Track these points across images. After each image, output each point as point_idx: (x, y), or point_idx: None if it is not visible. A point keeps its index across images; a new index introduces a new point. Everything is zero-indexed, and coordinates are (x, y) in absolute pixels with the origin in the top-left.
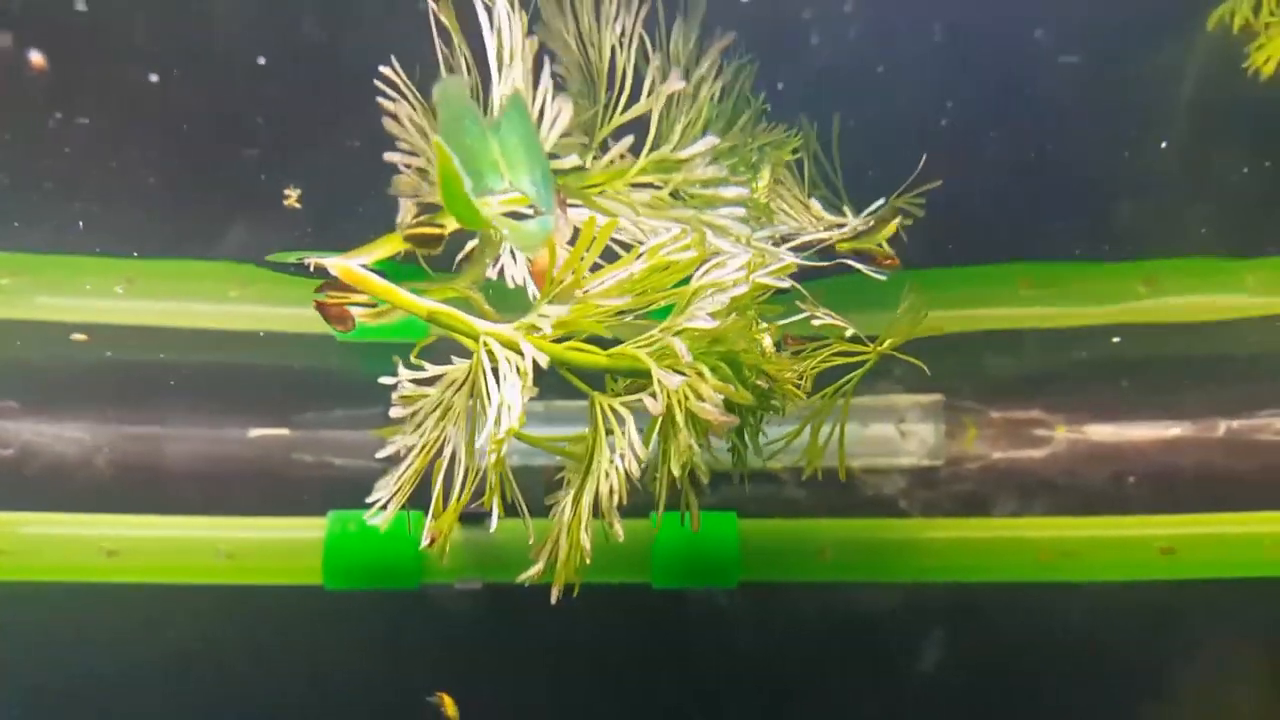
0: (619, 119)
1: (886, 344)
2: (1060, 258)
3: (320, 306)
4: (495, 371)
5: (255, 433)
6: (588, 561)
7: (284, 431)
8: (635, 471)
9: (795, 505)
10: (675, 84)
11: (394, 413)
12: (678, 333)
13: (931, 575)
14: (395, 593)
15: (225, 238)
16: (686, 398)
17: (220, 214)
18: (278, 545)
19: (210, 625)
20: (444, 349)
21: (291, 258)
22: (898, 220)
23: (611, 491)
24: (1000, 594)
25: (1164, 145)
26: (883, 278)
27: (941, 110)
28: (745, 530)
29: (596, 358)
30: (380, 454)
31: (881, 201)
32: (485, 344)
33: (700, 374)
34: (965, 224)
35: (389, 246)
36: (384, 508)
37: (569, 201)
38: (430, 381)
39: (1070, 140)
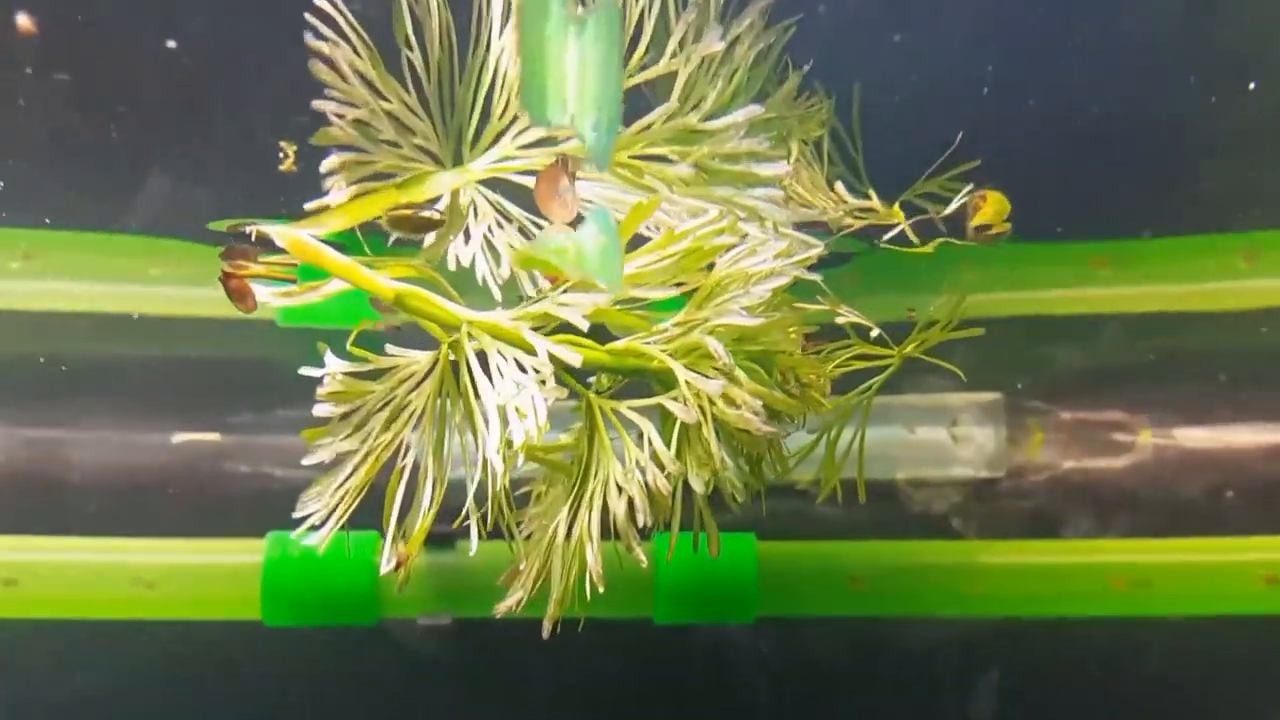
0: (640, 77)
1: (911, 346)
2: (1141, 232)
3: (224, 279)
4: (488, 370)
5: (180, 438)
6: (601, 589)
7: (214, 436)
8: (664, 486)
9: (824, 524)
10: (714, 44)
11: (320, 411)
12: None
13: (987, 608)
14: (349, 629)
15: (149, 205)
16: (712, 403)
17: (142, 175)
18: (207, 572)
19: (127, 667)
20: (379, 338)
21: (227, 226)
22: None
23: (635, 509)
24: (1069, 631)
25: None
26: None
27: (983, 72)
28: (764, 554)
29: (599, 354)
30: (308, 460)
31: (970, 186)
32: (467, 334)
33: (734, 378)
34: (1027, 194)
35: (348, 217)
36: (318, 526)
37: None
38: (371, 375)
39: (1146, 93)
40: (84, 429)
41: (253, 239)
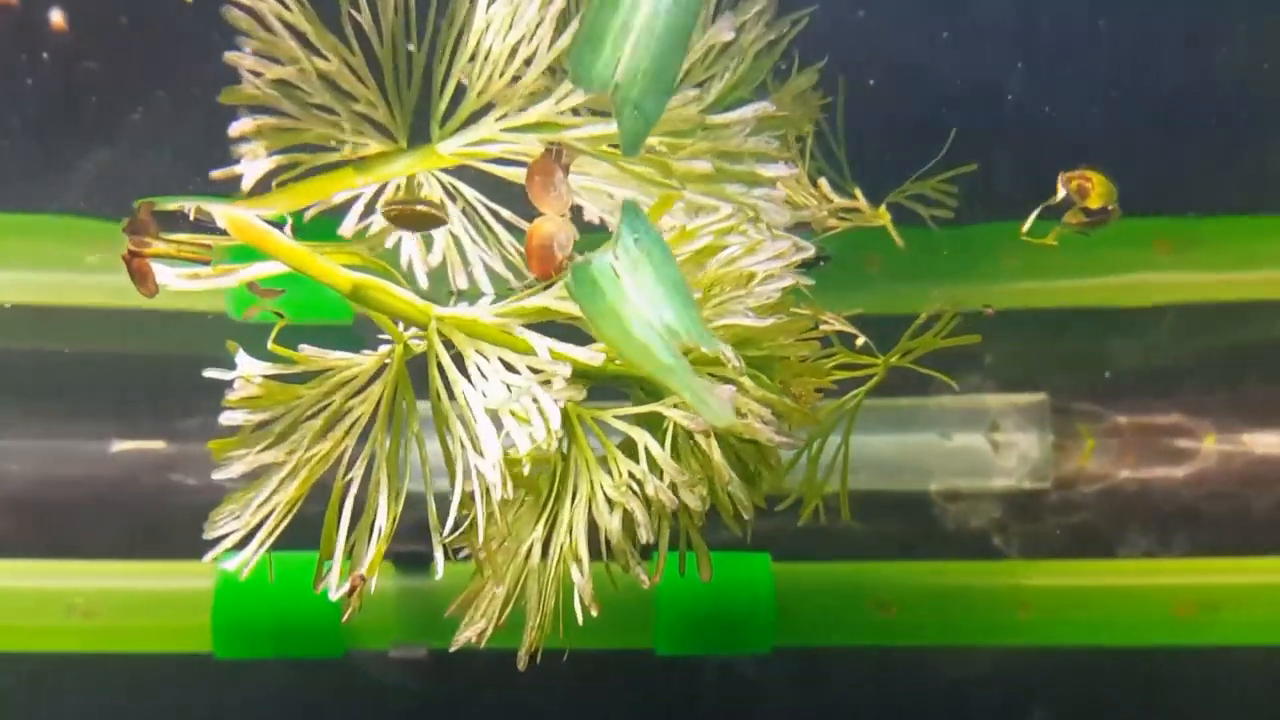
0: None
1: (897, 356)
2: (1207, 211)
3: (128, 258)
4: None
5: (120, 446)
6: (594, 613)
7: (159, 445)
8: (669, 499)
9: (848, 542)
10: (724, 33)
11: (228, 419)
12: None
13: (1032, 636)
14: (311, 663)
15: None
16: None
17: (77, 154)
18: (151, 599)
19: (61, 706)
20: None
21: (170, 204)
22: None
23: (637, 526)
24: (1123, 661)
25: None
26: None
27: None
28: (782, 577)
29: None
30: (218, 475)
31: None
32: (436, 332)
33: (742, 384)
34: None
35: (298, 198)
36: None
37: (570, 165)
38: (300, 379)
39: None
40: (7, 437)
41: (191, 218)
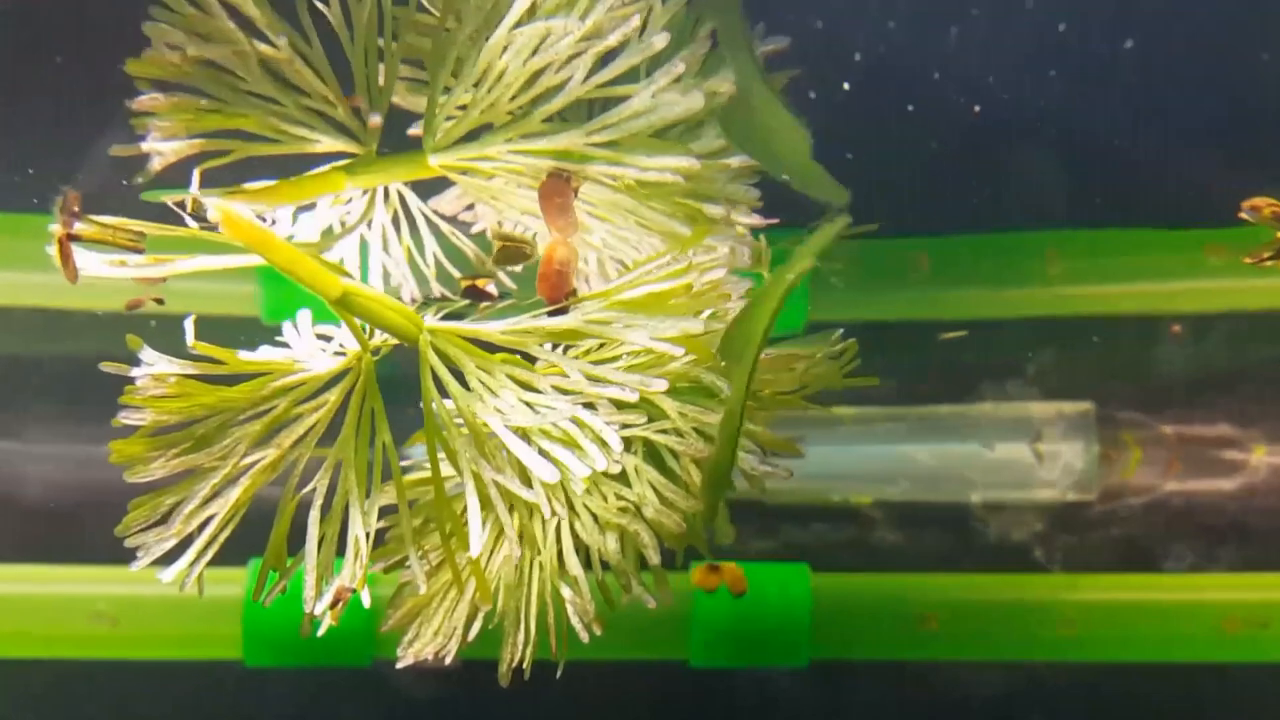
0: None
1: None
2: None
3: (60, 239)
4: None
5: None
6: (597, 631)
7: None
8: (675, 523)
9: (888, 555)
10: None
11: (126, 418)
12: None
13: (1076, 652)
14: (339, 671)
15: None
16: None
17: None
18: (179, 606)
19: (87, 713)
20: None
21: (166, 197)
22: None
23: (643, 547)
24: (1169, 679)
25: None
26: None
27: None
28: (820, 589)
29: None
30: (130, 477)
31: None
32: (429, 345)
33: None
34: (1124, 174)
35: (283, 196)
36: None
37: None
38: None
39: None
40: (32, 440)
41: (188, 210)
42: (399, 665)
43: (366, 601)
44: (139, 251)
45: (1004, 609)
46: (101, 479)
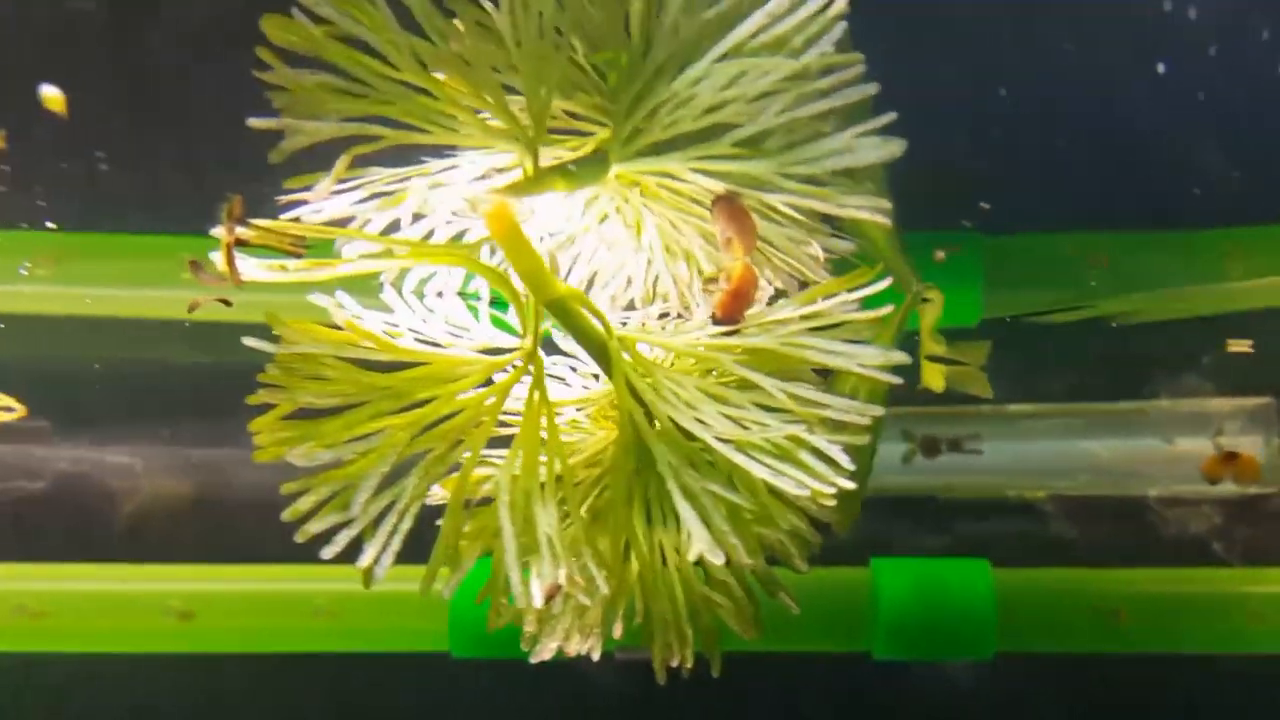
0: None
1: None
2: None
3: (226, 248)
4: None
5: None
6: (795, 610)
7: None
8: (840, 483)
9: (1066, 549)
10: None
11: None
12: None
13: (1266, 645)
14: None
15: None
16: None
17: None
18: (390, 600)
19: (302, 704)
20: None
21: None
22: None
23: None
24: None
25: None
26: None
27: None
28: (1002, 583)
29: None
30: (293, 457)
31: None
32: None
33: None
34: None
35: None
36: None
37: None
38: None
39: None
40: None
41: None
42: (533, 660)
43: (538, 600)
44: (299, 256)
45: (1190, 602)
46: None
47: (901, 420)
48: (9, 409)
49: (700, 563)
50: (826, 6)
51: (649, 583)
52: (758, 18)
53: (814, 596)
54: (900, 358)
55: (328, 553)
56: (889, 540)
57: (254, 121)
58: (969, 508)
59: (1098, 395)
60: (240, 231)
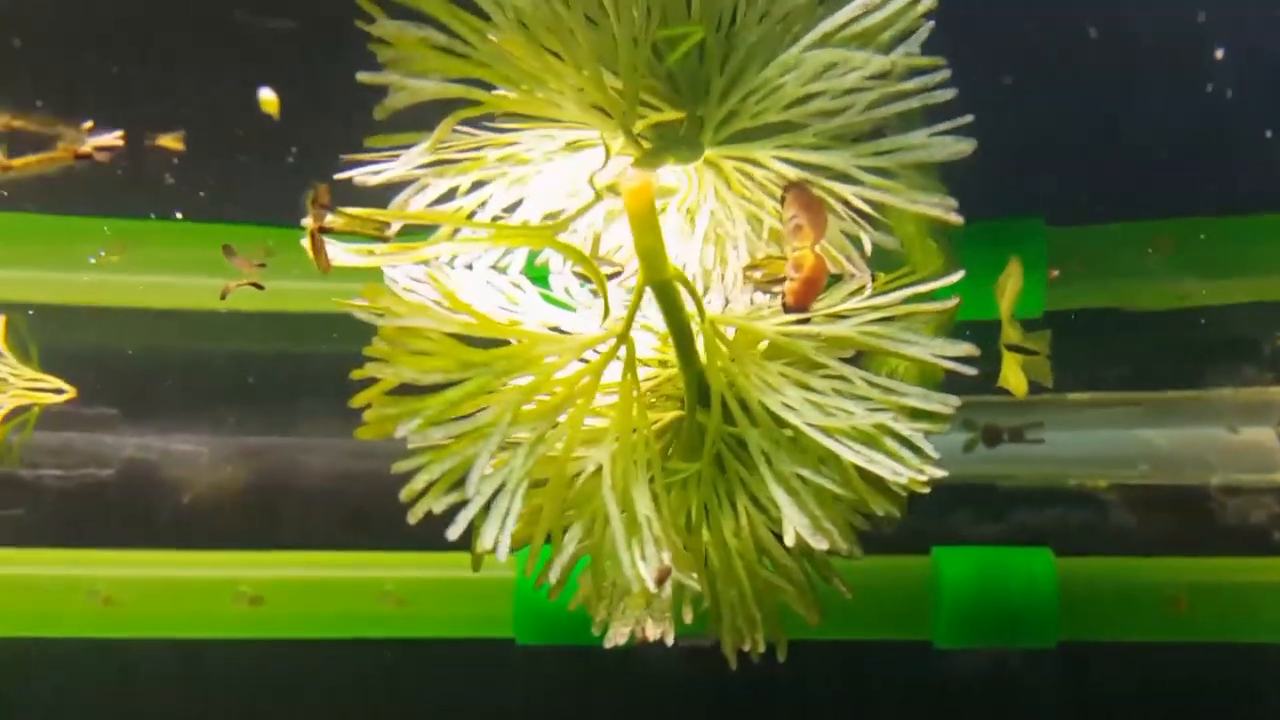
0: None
1: None
2: None
3: (313, 235)
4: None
5: None
6: (848, 595)
7: None
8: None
9: (1127, 537)
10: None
11: (375, 372)
12: None
13: None
14: (597, 651)
15: None
16: None
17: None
18: (458, 587)
19: (372, 686)
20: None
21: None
22: None
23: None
24: None
25: None
26: None
27: None
28: (1063, 572)
29: None
30: (402, 431)
31: None
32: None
33: None
34: None
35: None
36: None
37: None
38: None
39: None
40: (309, 435)
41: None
42: (607, 645)
43: (652, 585)
44: (384, 240)
45: (1252, 591)
46: (378, 469)
47: (963, 409)
48: (59, 391)
49: (763, 549)
50: (915, 3)
51: (720, 567)
52: (852, 8)
53: (876, 585)
54: (969, 349)
55: (453, 533)
56: (951, 529)
57: (362, 75)
58: (1029, 496)
59: (1159, 384)
60: (329, 219)
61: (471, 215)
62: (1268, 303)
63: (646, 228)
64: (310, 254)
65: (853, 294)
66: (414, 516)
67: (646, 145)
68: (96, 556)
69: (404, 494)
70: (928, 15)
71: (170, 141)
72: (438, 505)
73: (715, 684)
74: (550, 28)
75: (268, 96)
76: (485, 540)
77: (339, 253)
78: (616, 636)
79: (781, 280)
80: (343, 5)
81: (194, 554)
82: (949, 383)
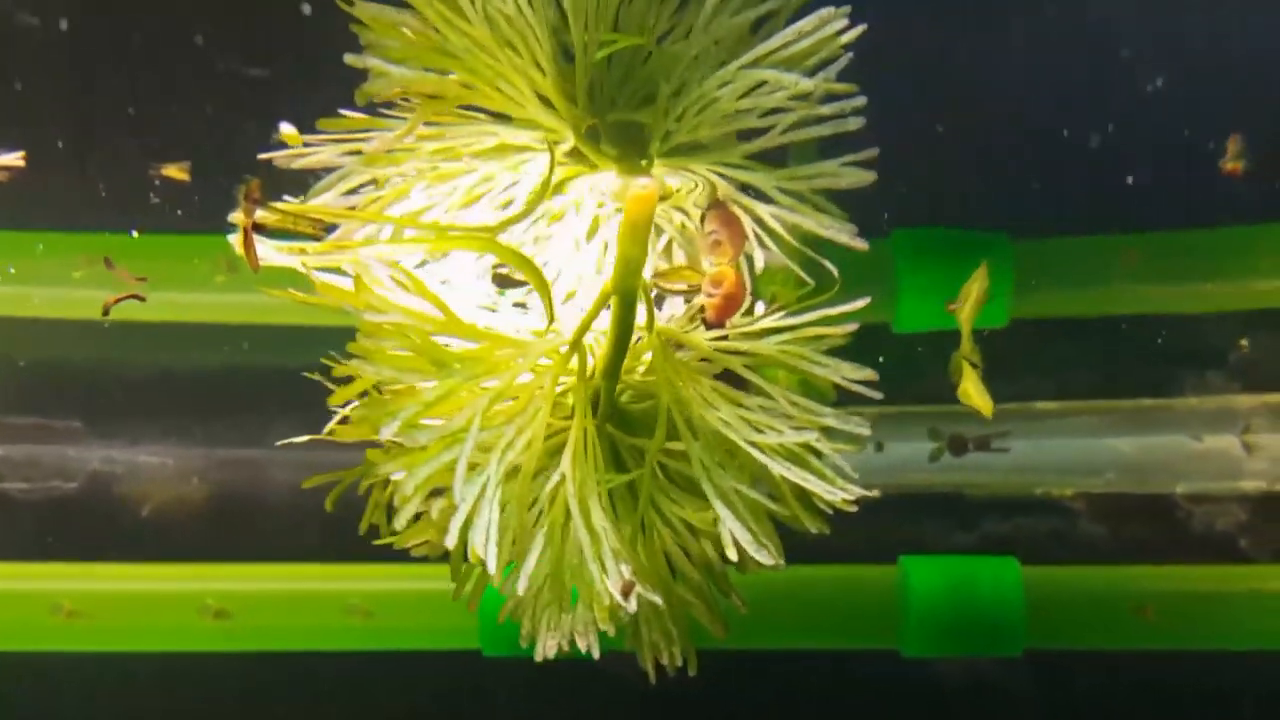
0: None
1: None
2: None
3: (245, 232)
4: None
5: None
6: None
7: None
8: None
9: (1094, 546)
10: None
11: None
12: None
13: None
14: (568, 663)
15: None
16: None
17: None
18: (422, 599)
19: (337, 701)
20: None
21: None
22: None
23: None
24: None
25: None
26: None
27: None
28: (1030, 580)
29: None
30: (384, 432)
31: None
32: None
33: None
34: None
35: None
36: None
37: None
38: None
39: None
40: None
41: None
42: (537, 659)
43: (620, 598)
44: (318, 238)
45: (1219, 599)
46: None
47: (929, 419)
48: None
49: (673, 565)
50: (844, 31)
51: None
52: (787, 32)
53: (843, 594)
54: (869, 374)
55: (449, 540)
56: (918, 538)
57: (349, 58)
58: (996, 506)
59: (1124, 393)
60: (259, 215)
61: (419, 216)
62: (1232, 313)
63: (638, 236)
64: (239, 251)
65: (770, 313)
66: (399, 522)
67: (600, 149)
68: (60, 570)
69: (397, 500)
70: (846, 47)
71: (177, 172)
72: (407, 514)
73: (679, 693)
74: (514, 26)
75: (289, 132)
76: (476, 547)
77: (269, 252)
78: (547, 650)
79: (695, 291)
80: None
81: (158, 567)
82: (916, 389)
